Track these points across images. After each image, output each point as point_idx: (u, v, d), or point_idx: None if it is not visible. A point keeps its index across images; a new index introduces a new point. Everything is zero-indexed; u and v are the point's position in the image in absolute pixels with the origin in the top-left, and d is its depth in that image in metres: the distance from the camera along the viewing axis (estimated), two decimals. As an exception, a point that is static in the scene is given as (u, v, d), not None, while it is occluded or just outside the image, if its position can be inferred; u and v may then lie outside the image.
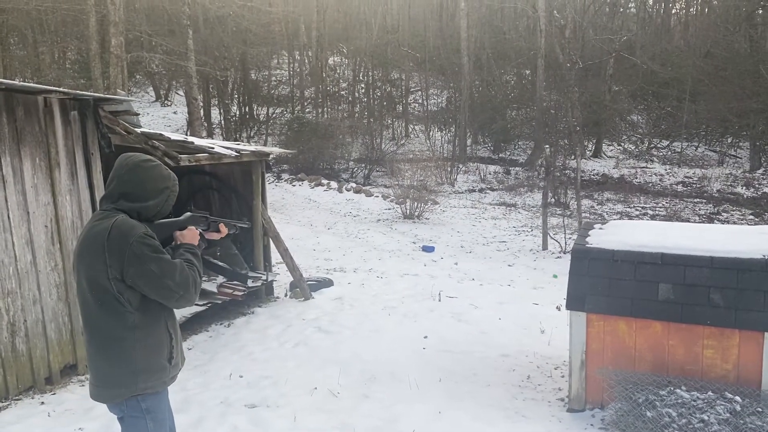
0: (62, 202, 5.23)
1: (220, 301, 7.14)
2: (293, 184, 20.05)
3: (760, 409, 3.68)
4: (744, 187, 19.18)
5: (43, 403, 4.81)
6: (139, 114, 6.51)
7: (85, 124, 5.42)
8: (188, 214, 2.77)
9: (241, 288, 7.42)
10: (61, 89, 5.16)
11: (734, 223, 15.02)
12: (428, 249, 12.28)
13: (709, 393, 3.85)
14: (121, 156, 2.59)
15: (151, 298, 2.47)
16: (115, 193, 2.52)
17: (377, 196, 18.09)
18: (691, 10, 32.17)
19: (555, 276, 9.88)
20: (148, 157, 2.62)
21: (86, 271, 2.43)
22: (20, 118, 4.84)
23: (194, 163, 6.54)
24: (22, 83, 4.96)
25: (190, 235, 2.69)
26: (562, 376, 5.21)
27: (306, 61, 30.92)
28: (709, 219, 15.50)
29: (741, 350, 3.96)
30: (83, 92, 5.48)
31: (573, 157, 17.84)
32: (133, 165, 2.54)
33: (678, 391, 3.91)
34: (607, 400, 4.29)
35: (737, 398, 3.77)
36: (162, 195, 2.59)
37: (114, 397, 2.51)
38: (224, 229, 2.91)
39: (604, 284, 4.34)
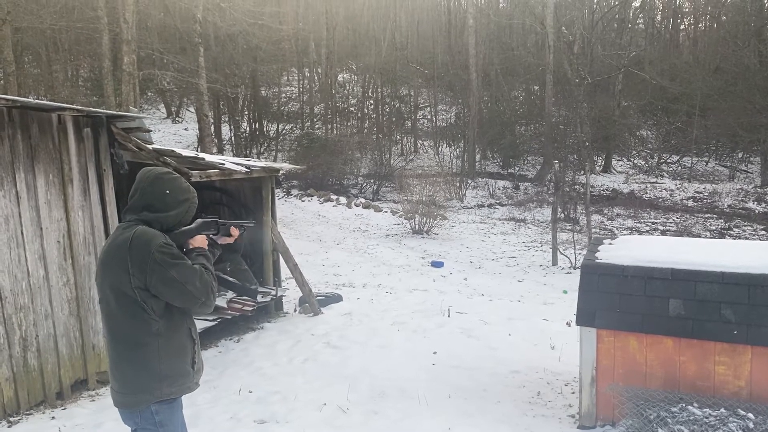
0: (75, 218, 5.29)
1: (229, 317, 7.15)
2: (303, 199, 20.11)
3: (773, 427, 3.64)
4: (755, 202, 19.03)
5: (53, 418, 4.84)
6: (151, 131, 6.59)
7: (98, 141, 5.49)
8: (199, 220, 2.87)
9: (250, 303, 7.43)
10: (74, 106, 5.24)
11: (746, 238, 14.90)
12: (437, 264, 12.26)
13: (722, 410, 3.81)
14: (142, 169, 2.72)
15: (175, 306, 2.55)
16: (138, 205, 2.63)
17: (386, 212, 18.10)
18: (700, 25, 32.25)
19: (565, 291, 9.82)
20: (169, 170, 2.76)
21: (110, 280, 2.52)
22: (35, 135, 4.92)
23: (205, 179, 6.60)
24: (36, 101, 5.04)
25: (200, 240, 2.78)
26: (573, 393, 5.17)
27: (315, 77, 31.18)
28: (721, 234, 15.37)
29: (753, 366, 3.92)
30: (96, 109, 5.56)
31: (582, 172, 17.81)
32: (155, 177, 2.66)
33: (690, 407, 3.87)
34: (618, 416, 4.25)
35: (750, 415, 3.73)
36: (182, 206, 2.70)
37: (139, 402, 2.56)
38: (235, 232, 2.98)
39: (614, 300, 4.32)
